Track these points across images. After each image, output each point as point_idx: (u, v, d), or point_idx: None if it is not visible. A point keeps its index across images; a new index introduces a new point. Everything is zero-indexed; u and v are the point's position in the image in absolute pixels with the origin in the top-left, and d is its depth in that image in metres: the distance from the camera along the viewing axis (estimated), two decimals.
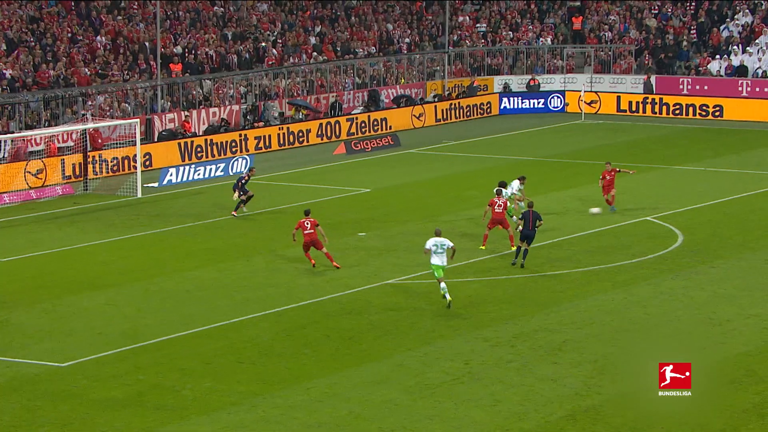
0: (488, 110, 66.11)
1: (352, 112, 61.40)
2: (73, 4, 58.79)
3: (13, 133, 47.86)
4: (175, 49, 58.88)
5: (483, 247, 36.40)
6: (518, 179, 39.42)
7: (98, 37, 57.17)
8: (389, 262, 35.32)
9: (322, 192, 45.72)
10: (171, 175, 48.33)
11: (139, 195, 45.26)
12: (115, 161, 49.09)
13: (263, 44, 62.97)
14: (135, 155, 47.00)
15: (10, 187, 45.05)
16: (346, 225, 40.01)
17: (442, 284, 30.62)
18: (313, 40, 65.83)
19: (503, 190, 37.52)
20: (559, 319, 29.81)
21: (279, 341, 28.47)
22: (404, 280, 33.62)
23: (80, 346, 27.84)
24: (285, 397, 24.73)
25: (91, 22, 58.36)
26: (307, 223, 34.25)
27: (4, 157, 46.74)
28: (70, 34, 56.35)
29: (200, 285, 33.20)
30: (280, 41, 64.17)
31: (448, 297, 30.53)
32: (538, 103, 66.64)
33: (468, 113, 65.06)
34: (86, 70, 54.47)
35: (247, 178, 41.22)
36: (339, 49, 65.93)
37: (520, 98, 66.75)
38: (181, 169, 48.83)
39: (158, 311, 30.81)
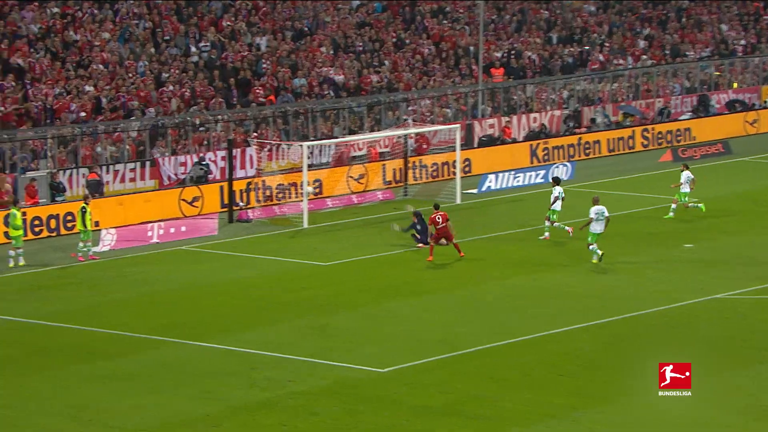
0: None
1: (680, 118, 60.34)
2: (399, 9, 60.44)
3: (336, 138, 49.67)
4: (497, 54, 59.58)
5: None
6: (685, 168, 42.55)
7: (422, 42, 58.54)
8: (718, 276, 34.58)
9: (646, 201, 45.17)
10: (490, 181, 48.90)
11: (458, 201, 46.01)
12: (434, 167, 50.10)
13: (587, 47, 62.82)
14: (455, 161, 47.84)
15: (333, 192, 46.77)
16: (672, 236, 39.39)
17: (593, 246, 35.43)
18: (641, 42, 65.15)
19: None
20: None
21: (600, 354, 28.37)
22: (735, 294, 32.83)
23: (399, 352, 28.60)
24: (607, 412, 24.63)
25: (416, 27, 59.83)
26: (438, 218, 36.46)
27: (328, 162, 48.56)
28: (395, 39, 57.95)
29: (518, 294, 33.48)
30: (607, 44, 63.81)
31: (599, 252, 35.34)
32: None
33: None
34: (410, 74, 55.88)
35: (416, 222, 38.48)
36: (668, 51, 64.95)
37: None
38: (501, 175, 49.32)
39: (475, 320, 31.28)
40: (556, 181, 40.00)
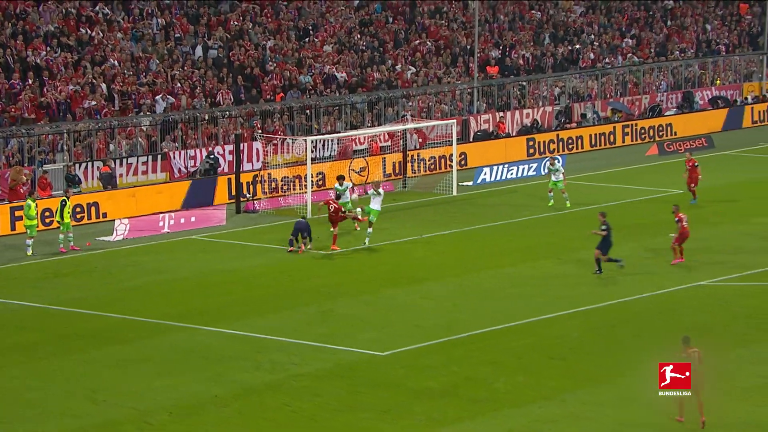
0: None
1: (666, 114, 60.51)
2: (399, 8, 60.53)
3: (339, 132, 49.78)
4: (491, 53, 59.71)
5: None
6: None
7: (420, 41, 58.62)
8: (702, 264, 34.77)
9: (633, 192, 45.38)
10: (485, 174, 49.11)
11: (455, 193, 46.21)
12: (432, 160, 50.27)
13: (578, 46, 62.98)
14: (451, 155, 48.00)
15: (335, 184, 46.76)
16: (658, 226, 39.57)
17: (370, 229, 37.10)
18: (629, 41, 65.28)
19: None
20: None
21: (589, 339, 28.59)
22: (718, 282, 33.05)
23: (398, 336, 28.82)
24: (596, 394, 24.86)
25: (416, 26, 59.96)
26: (331, 205, 37.59)
27: (331, 155, 48.71)
28: (393, 39, 58.04)
29: (513, 282, 33.68)
30: (596, 43, 63.95)
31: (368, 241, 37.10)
32: None
33: None
34: (409, 72, 56.03)
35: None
36: (653, 50, 65.08)
37: None
38: (495, 168, 49.52)
39: (472, 306, 31.48)
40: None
